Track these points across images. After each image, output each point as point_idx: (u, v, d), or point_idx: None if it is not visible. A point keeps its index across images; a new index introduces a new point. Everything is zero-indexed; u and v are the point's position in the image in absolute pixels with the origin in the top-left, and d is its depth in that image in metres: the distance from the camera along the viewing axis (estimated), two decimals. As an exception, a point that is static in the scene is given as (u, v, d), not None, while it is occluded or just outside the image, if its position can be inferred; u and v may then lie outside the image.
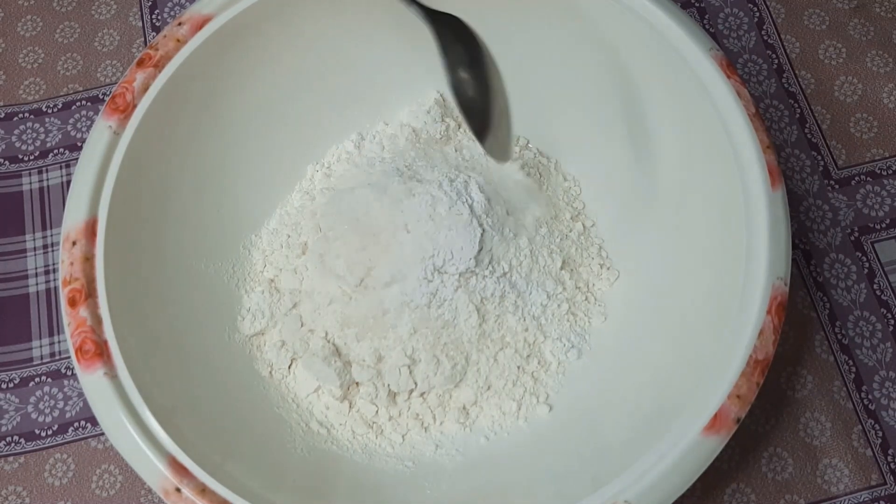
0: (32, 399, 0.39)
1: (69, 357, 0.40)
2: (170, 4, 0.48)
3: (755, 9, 0.47)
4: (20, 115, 0.45)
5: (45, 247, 0.42)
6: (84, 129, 0.45)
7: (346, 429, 0.36)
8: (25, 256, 0.42)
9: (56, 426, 0.39)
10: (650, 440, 0.29)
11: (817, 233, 0.42)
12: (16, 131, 0.45)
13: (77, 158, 0.38)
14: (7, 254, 0.42)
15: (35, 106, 0.45)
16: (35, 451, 0.38)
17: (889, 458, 0.38)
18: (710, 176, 0.34)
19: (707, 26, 0.47)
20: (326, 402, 0.37)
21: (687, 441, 0.28)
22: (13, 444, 0.38)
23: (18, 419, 0.39)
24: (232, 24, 0.34)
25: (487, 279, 0.36)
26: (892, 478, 0.38)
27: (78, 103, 0.45)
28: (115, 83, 0.44)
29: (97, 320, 0.30)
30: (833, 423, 0.39)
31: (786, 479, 0.38)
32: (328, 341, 0.37)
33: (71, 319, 0.30)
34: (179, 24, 0.35)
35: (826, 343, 0.40)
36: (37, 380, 0.40)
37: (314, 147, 0.41)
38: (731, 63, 0.34)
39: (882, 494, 0.38)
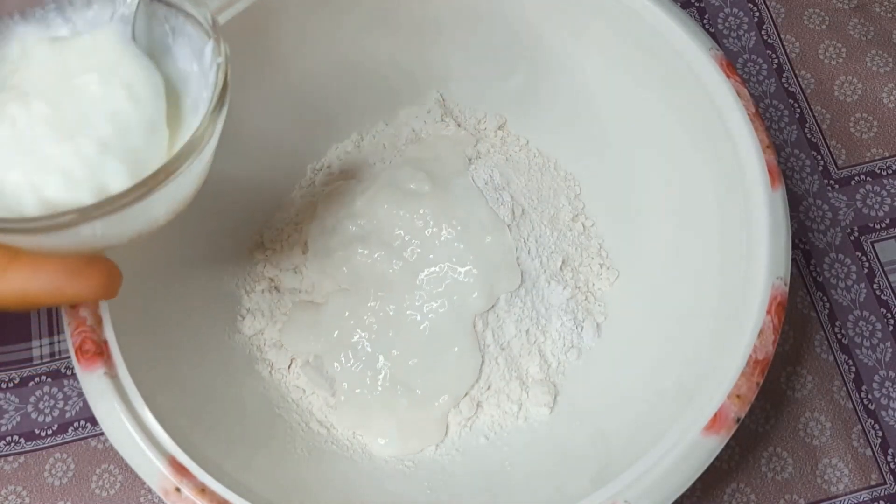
0: (32, 399, 0.39)
1: (69, 357, 0.39)
2: (170, 4, 0.48)
3: (755, 9, 0.47)
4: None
5: (44, 247, 0.42)
6: (84, 129, 0.45)
7: (346, 429, 0.36)
8: (25, 256, 0.42)
9: (56, 426, 0.39)
10: (650, 440, 0.29)
11: (817, 233, 0.42)
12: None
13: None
14: (7, 254, 0.42)
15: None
16: (35, 450, 0.38)
17: (889, 458, 0.38)
18: (709, 175, 0.34)
19: (707, 26, 0.47)
20: (326, 400, 0.37)
21: (687, 441, 0.28)
22: (13, 444, 0.38)
23: (18, 419, 0.39)
24: (231, 25, 0.34)
25: (487, 279, 0.36)
26: (891, 478, 0.38)
27: (78, 103, 0.45)
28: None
29: (97, 320, 0.30)
30: (833, 422, 0.39)
31: (786, 479, 0.38)
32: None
33: (71, 319, 0.30)
34: (179, 23, 0.35)
35: (826, 343, 0.40)
36: (37, 379, 0.40)
37: (314, 147, 0.41)
38: (731, 63, 0.34)
39: (882, 494, 0.38)
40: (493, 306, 0.36)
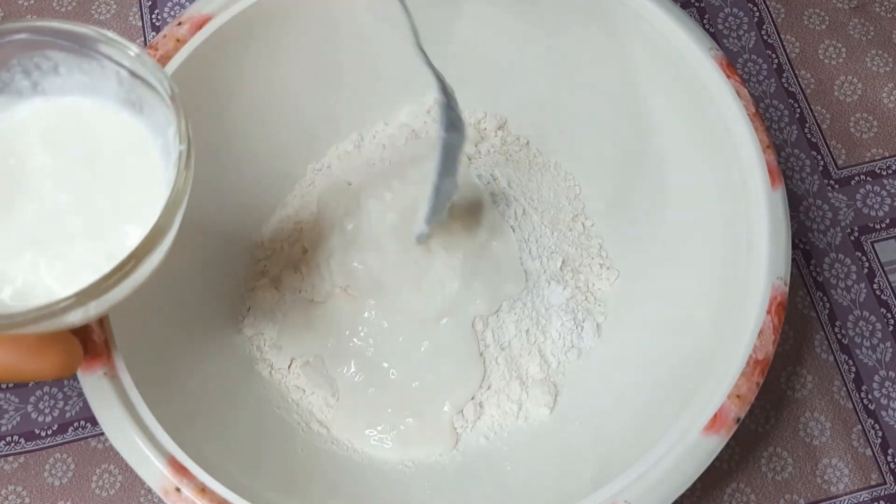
0: (32, 399, 0.39)
1: (69, 357, 0.40)
2: (169, 4, 0.48)
3: (755, 9, 0.47)
4: (20, 115, 0.45)
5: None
6: (84, 129, 0.45)
7: (347, 431, 0.36)
8: (25, 256, 0.42)
9: (56, 426, 0.39)
10: (650, 440, 0.29)
11: (817, 233, 0.42)
12: (16, 131, 0.45)
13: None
14: (7, 254, 0.42)
15: (35, 106, 0.45)
16: (35, 450, 0.38)
17: (889, 458, 0.38)
18: (709, 176, 0.34)
19: (707, 26, 0.47)
20: (326, 401, 0.37)
21: (687, 441, 0.28)
22: (13, 444, 0.38)
23: (18, 419, 0.39)
24: (232, 24, 0.34)
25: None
26: (891, 478, 0.38)
27: (78, 103, 0.45)
28: (115, 83, 0.43)
29: (97, 320, 0.30)
30: (833, 422, 0.39)
31: (785, 479, 0.38)
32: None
33: (71, 319, 0.30)
34: (179, 23, 0.35)
35: (826, 343, 0.40)
36: (37, 380, 0.40)
37: (314, 147, 0.41)
38: (731, 63, 0.34)
39: (882, 494, 0.38)
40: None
